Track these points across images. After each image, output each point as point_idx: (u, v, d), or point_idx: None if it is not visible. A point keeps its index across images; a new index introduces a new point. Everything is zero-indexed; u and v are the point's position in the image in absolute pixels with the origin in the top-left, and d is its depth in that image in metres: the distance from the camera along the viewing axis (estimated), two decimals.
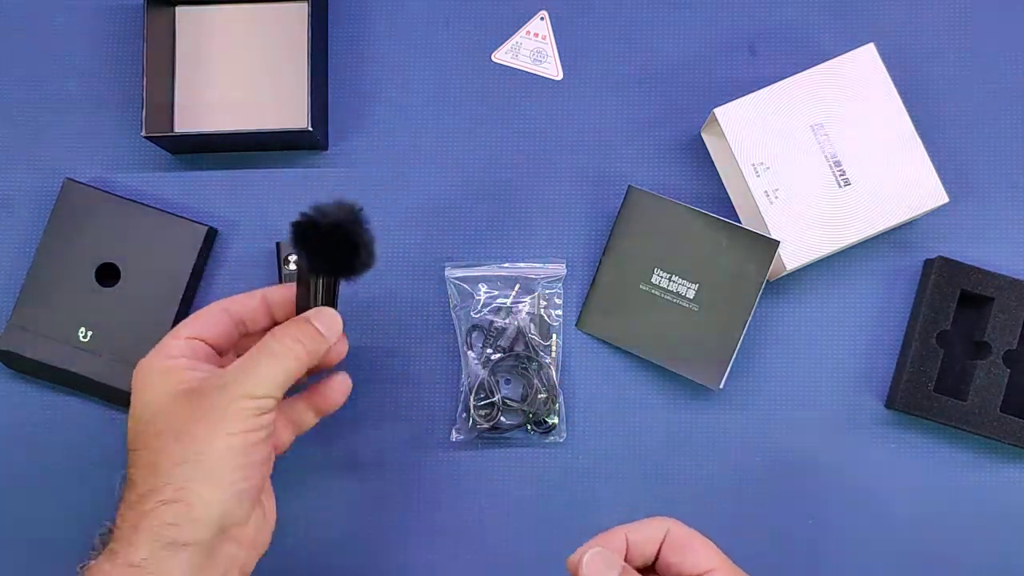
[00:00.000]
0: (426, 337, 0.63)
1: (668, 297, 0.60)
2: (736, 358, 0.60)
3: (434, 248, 0.64)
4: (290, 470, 0.61)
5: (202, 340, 0.50)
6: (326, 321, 0.50)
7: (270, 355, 0.48)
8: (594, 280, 0.62)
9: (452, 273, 0.61)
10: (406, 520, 0.62)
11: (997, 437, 0.59)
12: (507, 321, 0.60)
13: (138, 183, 0.64)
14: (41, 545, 0.62)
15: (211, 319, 0.51)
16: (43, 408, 0.63)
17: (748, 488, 0.61)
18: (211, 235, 0.63)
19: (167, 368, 0.48)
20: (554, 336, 0.61)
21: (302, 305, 0.51)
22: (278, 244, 0.62)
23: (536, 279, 0.61)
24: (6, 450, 0.63)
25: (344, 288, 0.51)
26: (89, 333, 0.61)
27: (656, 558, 0.45)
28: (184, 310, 0.62)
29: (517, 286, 0.60)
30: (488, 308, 0.61)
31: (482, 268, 0.61)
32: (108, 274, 0.62)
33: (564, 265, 0.62)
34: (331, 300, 0.51)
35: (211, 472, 0.44)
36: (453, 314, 0.61)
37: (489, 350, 0.61)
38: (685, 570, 0.44)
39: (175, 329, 0.51)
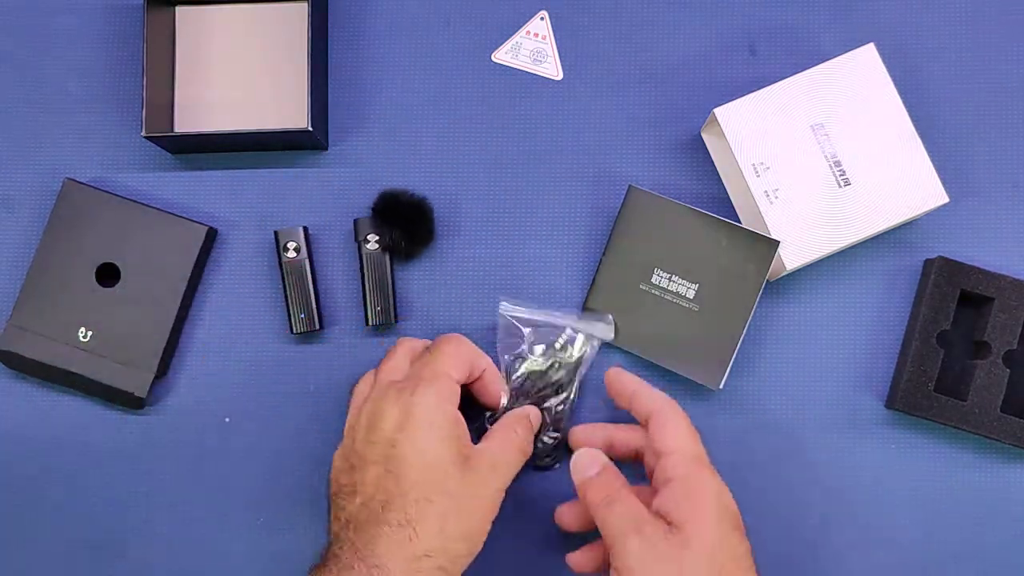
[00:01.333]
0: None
1: (668, 297, 0.60)
2: (736, 358, 0.60)
3: (433, 248, 0.64)
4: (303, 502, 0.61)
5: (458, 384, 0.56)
6: (535, 417, 0.59)
7: (519, 451, 0.56)
8: (594, 280, 0.62)
9: (507, 311, 0.62)
10: None
11: (997, 437, 0.59)
12: (544, 362, 0.61)
13: (138, 183, 0.64)
14: (40, 545, 0.62)
15: (464, 362, 0.56)
16: (43, 408, 0.63)
17: (748, 488, 0.61)
18: (211, 235, 0.63)
19: (454, 425, 0.52)
20: (575, 383, 0.61)
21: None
22: (276, 233, 0.62)
23: (581, 334, 0.61)
24: (6, 450, 0.63)
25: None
26: (89, 333, 0.61)
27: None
28: (184, 310, 0.62)
29: (563, 338, 0.61)
30: (533, 348, 0.61)
31: (536, 312, 0.61)
32: (108, 274, 0.62)
33: (612, 327, 0.61)
34: (392, 280, 0.62)
35: (475, 547, 0.51)
36: (499, 346, 0.62)
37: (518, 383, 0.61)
38: (658, 449, 0.52)
39: (448, 364, 0.55)
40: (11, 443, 0.63)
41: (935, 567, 0.61)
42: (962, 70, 0.64)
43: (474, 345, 0.57)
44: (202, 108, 0.65)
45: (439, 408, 0.52)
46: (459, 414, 0.53)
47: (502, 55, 0.65)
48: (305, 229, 0.63)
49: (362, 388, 0.57)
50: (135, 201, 0.63)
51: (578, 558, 0.56)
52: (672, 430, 0.52)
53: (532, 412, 0.59)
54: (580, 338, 0.61)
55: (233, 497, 0.62)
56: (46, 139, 0.65)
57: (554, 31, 0.65)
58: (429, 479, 0.50)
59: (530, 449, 0.57)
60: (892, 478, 0.61)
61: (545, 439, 0.61)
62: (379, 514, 0.49)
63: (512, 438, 0.55)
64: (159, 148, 0.64)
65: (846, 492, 0.61)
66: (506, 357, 0.61)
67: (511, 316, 0.61)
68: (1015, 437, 0.59)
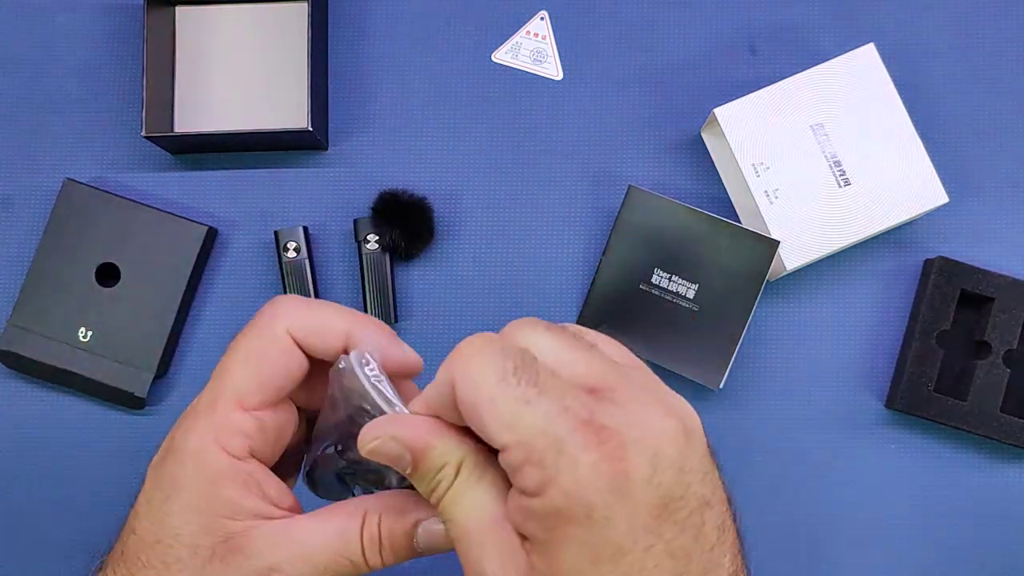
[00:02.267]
0: None
1: (668, 297, 0.60)
2: (736, 358, 0.60)
3: (434, 247, 0.64)
4: None
5: (264, 412, 0.35)
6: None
7: (346, 557, 0.33)
8: (594, 280, 0.62)
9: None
10: None
11: (997, 437, 0.59)
12: None
13: (138, 183, 0.64)
14: (40, 544, 0.62)
15: (274, 363, 0.35)
16: (43, 408, 0.63)
17: (748, 488, 0.61)
18: (211, 235, 0.63)
19: (213, 485, 0.33)
20: None
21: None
22: (276, 233, 0.62)
23: None
24: (6, 450, 0.63)
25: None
26: (89, 333, 0.61)
27: None
28: (184, 310, 0.62)
29: None
30: None
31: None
32: (108, 274, 0.62)
33: None
34: (392, 280, 0.60)
35: None
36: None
37: None
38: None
39: (238, 374, 0.34)
40: (11, 443, 0.63)
41: (934, 567, 0.61)
42: (962, 70, 0.64)
43: (320, 305, 0.36)
44: (202, 108, 0.65)
45: (195, 459, 0.33)
46: (240, 466, 0.33)
47: (502, 55, 0.65)
48: (305, 229, 0.63)
49: None
50: (135, 201, 0.62)
51: None
52: (482, 407, 0.29)
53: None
54: None
55: None
56: (46, 139, 0.65)
57: (554, 31, 0.65)
58: (156, 561, 0.33)
59: (377, 561, 0.33)
60: (892, 478, 0.61)
61: None
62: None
63: (351, 528, 0.33)
64: (159, 148, 0.64)
65: (846, 492, 0.61)
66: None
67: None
68: (1015, 437, 0.59)
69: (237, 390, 0.34)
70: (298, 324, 0.35)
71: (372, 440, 0.31)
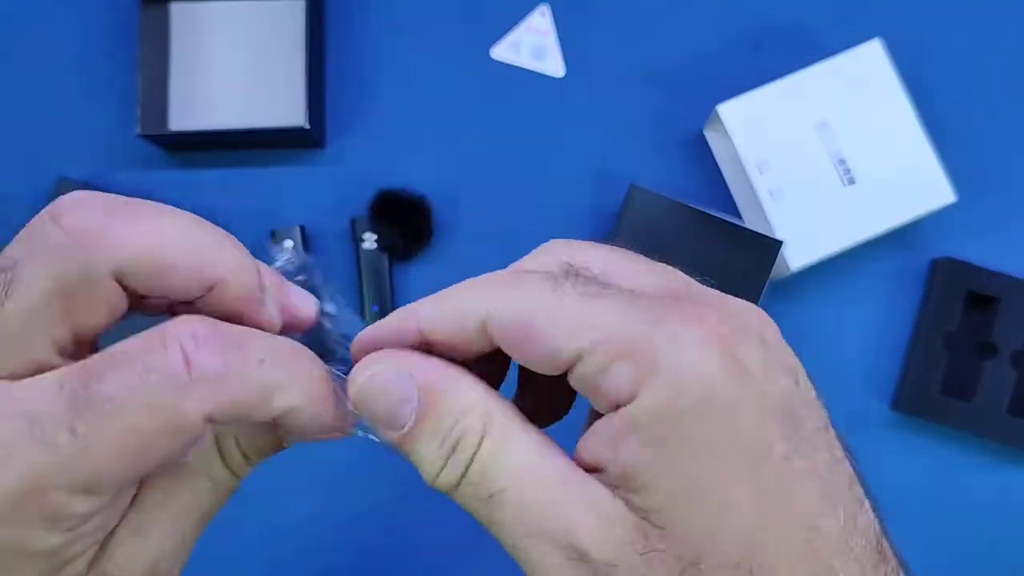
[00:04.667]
0: None
1: None
2: None
3: (432, 247, 0.63)
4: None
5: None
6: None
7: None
8: None
9: None
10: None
11: (1004, 439, 0.58)
12: None
13: (133, 182, 0.64)
14: None
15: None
16: None
17: None
18: None
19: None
20: None
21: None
22: (272, 232, 0.62)
23: None
24: None
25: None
26: None
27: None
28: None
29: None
30: None
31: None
32: None
33: None
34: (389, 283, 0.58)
35: None
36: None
37: None
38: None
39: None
40: None
41: (941, 569, 0.60)
42: (968, 66, 0.63)
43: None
44: (197, 106, 0.64)
45: None
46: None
47: (502, 51, 0.64)
48: (302, 228, 0.62)
49: None
50: None
51: None
52: (539, 322, 0.22)
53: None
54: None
55: (232, 496, 0.61)
56: (39, 137, 0.64)
57: (555, 26, 0.64)
58: None
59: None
60: (898, 480, 0.61)
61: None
62: None
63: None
64: (154, 146, 0.63)
65: None
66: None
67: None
68: (1022, 439, 0.58)
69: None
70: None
71: (366, 376, 0.23)
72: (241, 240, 0.26)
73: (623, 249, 0.25)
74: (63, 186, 0.61)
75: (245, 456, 0.26)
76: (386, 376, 0.23)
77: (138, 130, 0.60)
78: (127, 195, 0.66)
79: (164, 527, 0.24)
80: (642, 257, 0.25)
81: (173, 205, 0.65)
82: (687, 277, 0.25)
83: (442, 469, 0.22)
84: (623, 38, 0.64)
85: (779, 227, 0.58)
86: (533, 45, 0.64)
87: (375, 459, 0.61)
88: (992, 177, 0.62)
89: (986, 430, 0.59)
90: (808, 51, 0.62)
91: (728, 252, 0.59)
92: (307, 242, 0.62)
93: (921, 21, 0.64)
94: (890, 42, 0.59)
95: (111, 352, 0.21)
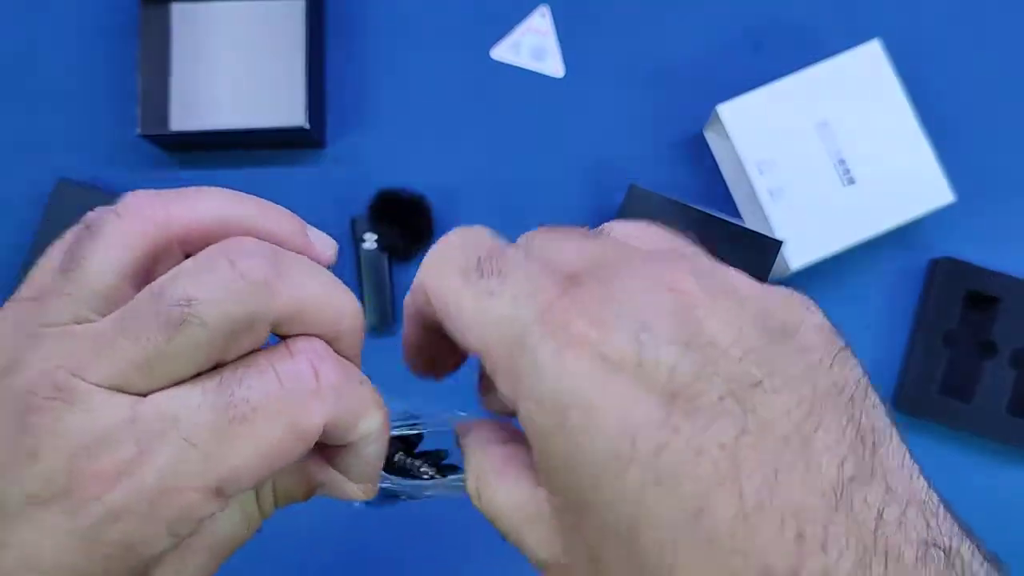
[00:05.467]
0: None
1: None
2: None
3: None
4: None
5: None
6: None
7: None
8: None
9: None
10: None
11: (1004, 439, 0.58)
12: None
13: (133, 182, 0.64)
14: None
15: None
16: None
17: None
18: None
19: None
20: None
21: None
22: None
23: None
24: None
25: None
26: None
27: None
28: None
29: None
30: None
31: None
32: None
33: None
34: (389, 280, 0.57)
35: None
36: None
37: None
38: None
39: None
40: None
41: None
42: (968, 67, 0.63)
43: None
44: (198, 106, 0.64)
45: None
46: None
47: (502, 52, 0.64)
48: None
49: None
50: None
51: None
52: (451, 313, 0.24)
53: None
54: None
55: None
56: (39, 138, 0.64)
57: (555, 27, 0.64)
58: None
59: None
60: None
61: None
62: None
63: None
64: (154, 146, 0.63)
65: None
66: None
67: None
68: (1022, 439, 0.58)
69: None
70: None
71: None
72: None
73: (589, 230, 0.26)
74: (63, 186, 0.61)
75: (276, 498, 0.28)
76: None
77: (138, 130, 0.60)
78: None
79: (200, 558, 0.25)
80: (587, 231, 0.26)
81: None
82: (620, 245, 0.25)
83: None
84: (623, 38, 0.64)
85: (779, 227, 0.58)
86: (533, 46, 0.64)
87: None
88: (991, 177, 0.62)
89: (986, 430, 0.59)
90: (808, 51, 0.62)
91: (728, 252, 0.58)
92: None
93: (921, 21, 0.64)
94: (890, 42, 0.59)
95: (244, 361, 0.23)
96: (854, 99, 0.58)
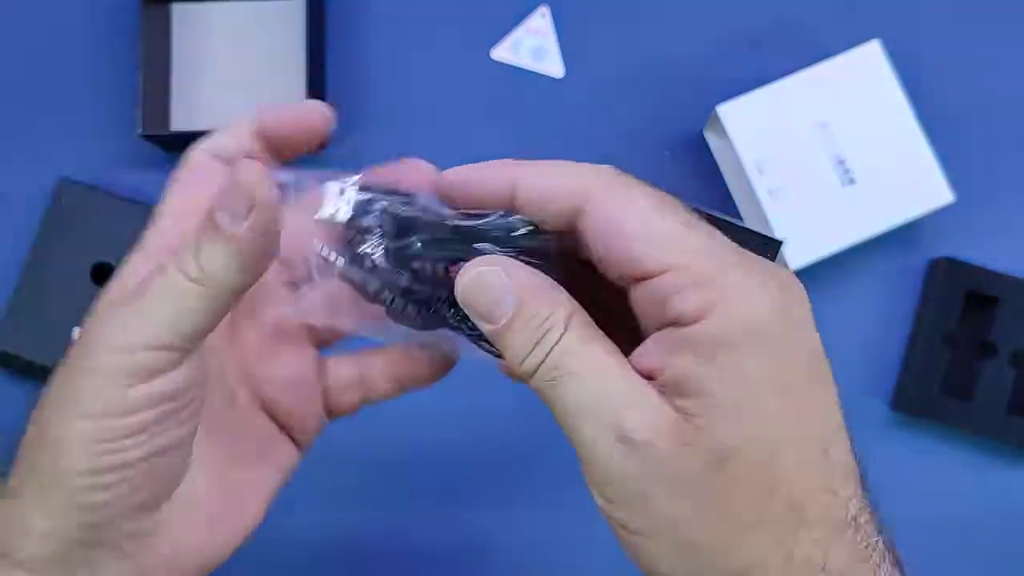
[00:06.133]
0: None
1: None
2: None
3: None
4: None
5: None
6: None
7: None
8: None
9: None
10: None
11: (1003, 439, 0.58)
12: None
13: (134, 182, 0.64)
14: None
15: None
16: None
17: None
18: None
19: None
20: None
21: None
22: None
23: None
24: None
25: None
26: None
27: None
28: None
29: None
30: None
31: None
32: (103, 274, 0.61)
33: None
34: None
35: (55, 465, 0.29)
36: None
37: None
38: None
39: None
40: (3, 445, 0.62)
41: (940, 569, 0.60)
42: (968, 67, 0.63)
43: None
44: (199, 106, 0.64)
45: None
46: None
47: (502, 52, 0.64)
48: None
49: None
50: (130, 200, 0.62)
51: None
52: (638, 228, 0.26)
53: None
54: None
55: None
56: (40, 138, 0.64)
57: (555, 27, 0.64)
58: None
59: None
60: (898, 479, 0.60)
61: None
62: None
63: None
64: (155, 146, 0.63)
65: None
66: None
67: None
68: (1022, 439, 0.58)
69: None
70: None
71: (473, 273, 0.27)
72: None
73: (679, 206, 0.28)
74: (64, 186, 0.61)
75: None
76: (489, 276, 0.27)
77: (139, 130, 0.60)
78: (127, 195, 0.66)
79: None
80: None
81: None
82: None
83: (528, 355, 0.26)
84: (623, 39, 0.64)
85: (779, 227, 0.58)
86: (533, 46, 0.64)
87: (373, 469, 0.61)
88: (991, 177, 0.62)
89: (986, 430, 0.59)
90: (808, 51, 0.62)
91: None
92: None
93: (920, 22, 0.64)
94: (889, 43, 0.59)
95: None
96: (854, 99, 0.58)
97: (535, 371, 0.26)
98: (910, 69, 0.61)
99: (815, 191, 0.58)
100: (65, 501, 0.28)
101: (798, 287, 0.27)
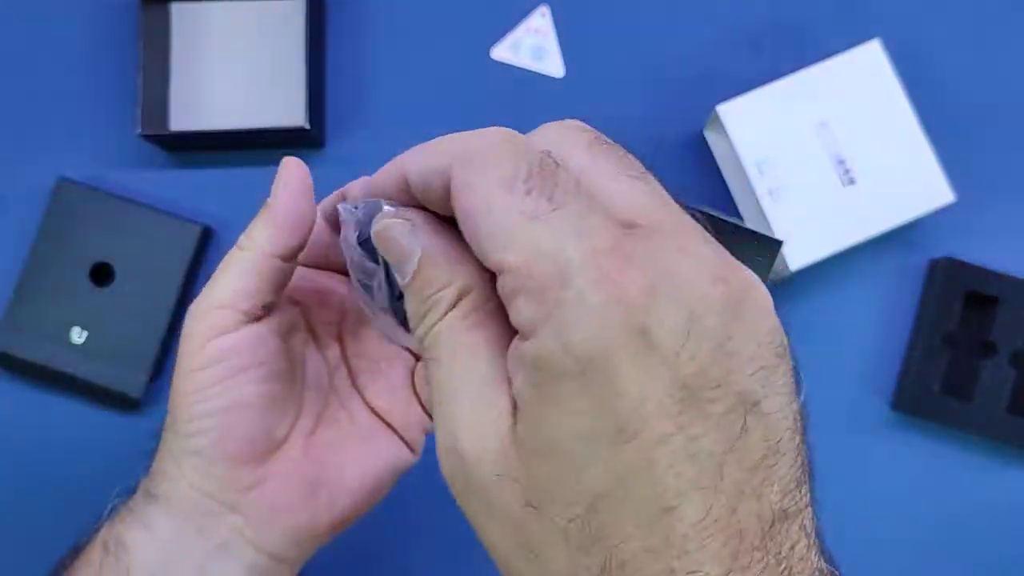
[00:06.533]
0: None
1: None
2: None
3: None
4: None
5: None
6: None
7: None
8: None
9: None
10: None
11: (1003, 439, 0.58)
12: None
13: (133, 182, 0.64)
14: (32, 548, 0.62)
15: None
16: (36, 409, 0.62)
17: None
18: (207, 234, 0.62)
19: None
20: None
21: None
22: None
23: None
24: None
25: None
26: (83, 334, 0.61)
27: None
28: (179, 310, 0.62)
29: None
30: None
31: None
32: (102, 274, 0.61)
33: None
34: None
35: (174, 416, 0.35)
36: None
37: None
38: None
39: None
40: (3, 445, 0.62)
41: (940, 569, 0.60)
42: (968, 67, 0.63)
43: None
44: (198, 106, 0.64)
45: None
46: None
47: (502, 52, 0.64)
48: None
49: None
50: (130, 200, 0.62)
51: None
52: (480, 214, 0.23)
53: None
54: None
55: None
56: (39, 137, 0.64)
57: (555, 27, 0.64)
58: None
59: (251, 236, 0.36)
60: (898, 479, 0.61)
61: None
62: None
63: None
64: (154, 146, 0.63)
65: (851, 493, 0.60)
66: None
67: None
68: (1022, 439, 0.58)
69: None
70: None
71: (383, 224, 0.26)
72: None
73: (630, 161, 0.25)
74: (63, 186, 0.61)
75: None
76: (396, 229, 0.26)
77: (138, 130, 0.60)
78: (126, 195, 0.66)
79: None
80: (632, 165, 0.25)
81: (173, 205, 0.66)
82: (670, 204, 0.25)
83: (417, 324, 0.25)
84: (623, 38, 0.64)
85: (779, 227, 0.58)
86: (533, 46, 0.64)
87: None
88: (991, 177, 0.62)
89: (986, 430, 0.59)
90: (808, 51, 0.62)
91: (728, 251, 0.59)
92: None
93: (921, 21, 0.64)
94: (889, 42, 0.59)
95: None
96: (854, 99, 0.58)
97: (421, 342, 0.25)
98: (910, 69, 0.61)
99: (815, 191, 0.58)
100: (179, 446, 0.35)
101: (700, 287, 0.22)
